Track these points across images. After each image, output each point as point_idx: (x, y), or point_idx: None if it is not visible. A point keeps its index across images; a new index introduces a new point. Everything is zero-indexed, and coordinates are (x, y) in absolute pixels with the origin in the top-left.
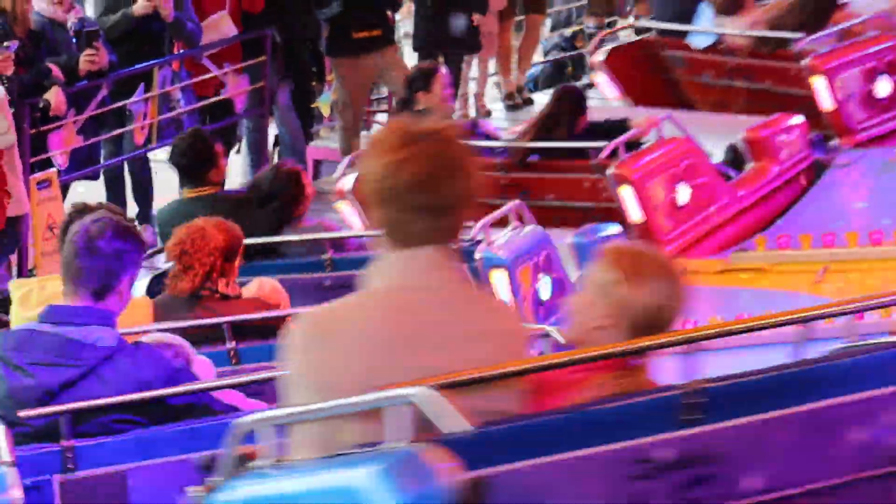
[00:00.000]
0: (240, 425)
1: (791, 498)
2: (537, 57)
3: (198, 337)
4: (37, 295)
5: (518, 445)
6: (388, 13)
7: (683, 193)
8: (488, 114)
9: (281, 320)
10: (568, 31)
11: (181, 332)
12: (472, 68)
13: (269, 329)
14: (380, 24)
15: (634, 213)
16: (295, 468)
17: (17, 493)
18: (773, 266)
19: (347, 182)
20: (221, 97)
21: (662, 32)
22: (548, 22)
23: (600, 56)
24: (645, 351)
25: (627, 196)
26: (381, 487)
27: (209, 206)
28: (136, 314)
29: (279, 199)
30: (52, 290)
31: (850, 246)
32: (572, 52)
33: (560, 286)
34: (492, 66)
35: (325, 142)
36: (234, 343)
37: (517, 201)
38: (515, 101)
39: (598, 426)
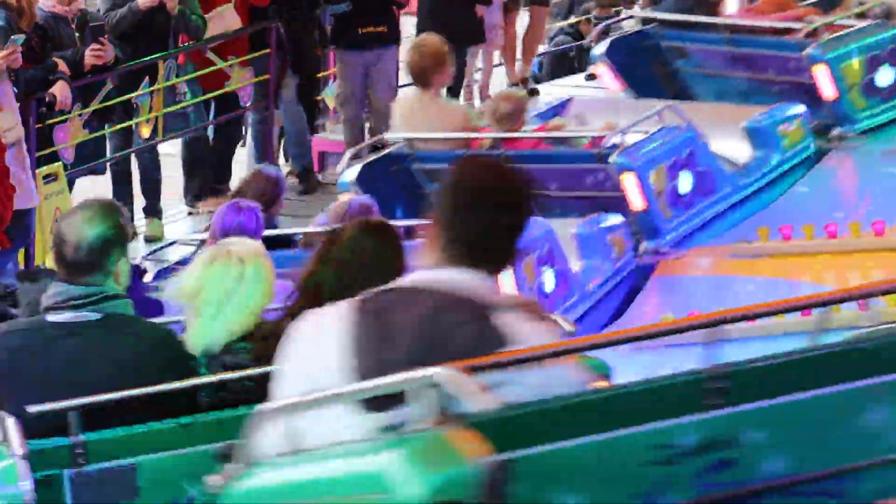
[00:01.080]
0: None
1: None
2: (541, 45)
3: None
4: None
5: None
6: (395, 10)
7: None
8: None
9: None
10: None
11: None
12: (478, 60)
13: None
14: (385, 21)
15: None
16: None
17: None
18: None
19: (351, 173)
20: (227, 90)
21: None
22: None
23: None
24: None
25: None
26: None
27: None
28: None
29: None
30: None
31: (853, 236)
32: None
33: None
34: (497, 57)
35: (331, 134)
36: None
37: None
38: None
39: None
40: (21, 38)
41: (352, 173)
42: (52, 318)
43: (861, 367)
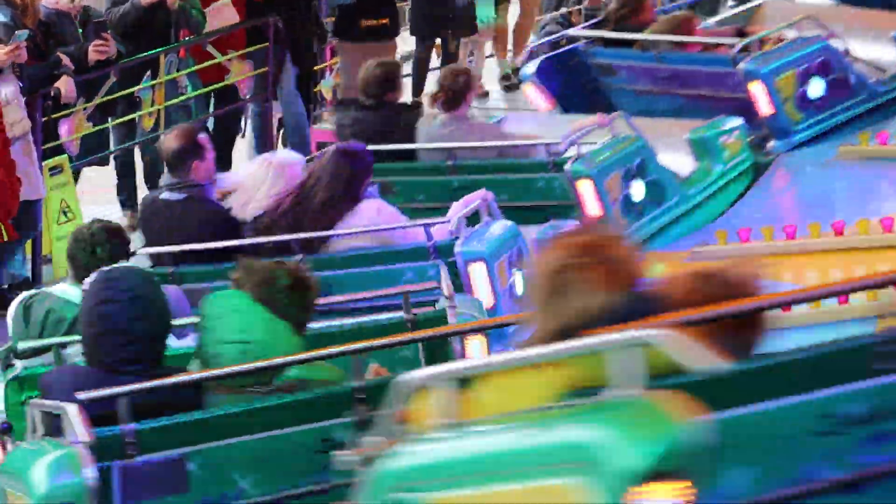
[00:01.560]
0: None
1: None
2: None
3: None
4: None
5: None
6: (396, 2)
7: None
8: (486, 95)
9: None
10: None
11: None
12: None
13: None
14: (387, 14)
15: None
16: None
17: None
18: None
19: (531, 66)
20: (227, 83)
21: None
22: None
23: (531, 67)
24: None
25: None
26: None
27: None
28: None
29: None
30: None
31: (813, 236)
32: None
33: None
34: (488, 48)
35: (328, 125)
36: None
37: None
38: (511, 81)
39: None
40: (25, 33)
41: (532, 66)
42: (161, 196)
43: None
